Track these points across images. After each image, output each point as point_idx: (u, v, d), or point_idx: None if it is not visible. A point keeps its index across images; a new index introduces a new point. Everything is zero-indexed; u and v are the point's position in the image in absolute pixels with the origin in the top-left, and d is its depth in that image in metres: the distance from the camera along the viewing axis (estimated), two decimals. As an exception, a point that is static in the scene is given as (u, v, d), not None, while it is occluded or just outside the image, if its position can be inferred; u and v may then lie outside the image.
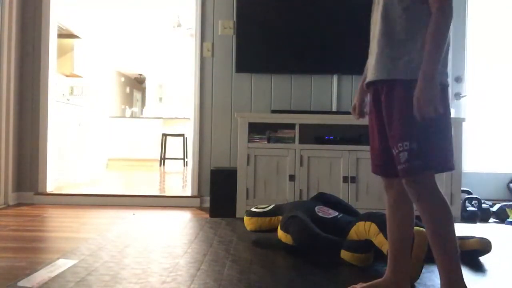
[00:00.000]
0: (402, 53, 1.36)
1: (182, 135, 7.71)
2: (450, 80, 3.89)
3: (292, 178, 3.25)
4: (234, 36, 3.68)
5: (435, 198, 1.35)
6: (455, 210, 3.25)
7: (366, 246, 1.86)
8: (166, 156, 7.81)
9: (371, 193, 3.25)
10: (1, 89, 3.52)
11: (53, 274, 1.68)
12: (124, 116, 10.46)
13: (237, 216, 3.18)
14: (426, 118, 1.28)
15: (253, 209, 2.38)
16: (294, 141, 3.29)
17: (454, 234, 1.35)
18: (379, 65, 1.41)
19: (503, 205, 3.31)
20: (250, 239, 2.35)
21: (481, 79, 4.02)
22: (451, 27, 1.34)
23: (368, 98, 1.58)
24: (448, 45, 1.35)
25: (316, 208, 2.18)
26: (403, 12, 1.37)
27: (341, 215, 2.16)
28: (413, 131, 1.33)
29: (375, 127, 1.48)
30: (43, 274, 1.68)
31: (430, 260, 1.70)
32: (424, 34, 1.32)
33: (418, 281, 1.63)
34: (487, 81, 4.05)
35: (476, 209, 3.28)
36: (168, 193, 4.37)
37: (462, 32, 3.82)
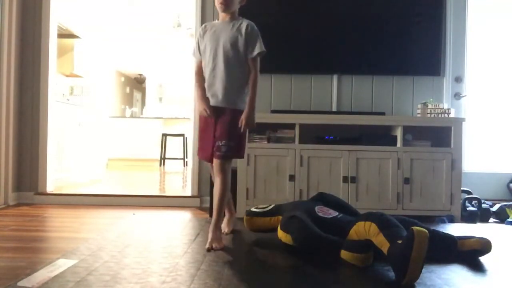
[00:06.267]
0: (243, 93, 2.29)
1: (182, 135, 7.72)
2: (449, 80, 3.91)
3: (292, 178, 3.25)
4: (234, 36, 3.68)
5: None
6: (455, 210, 3.25)
7: (366, 246, 1.85)
8: (166, 156, 7.82)
9: (371, 193, 3.25)
10: (1, 89, 3.52)
11: (53, 274, 1.68)
12: (124, 116, 10.46)
13: (237, 216, 3.18)
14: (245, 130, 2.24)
15: (253, 209, 2.38)
16: (294, 141, 3.28)
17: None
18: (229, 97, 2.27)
19: (503, 205, 3.31)
20: (250, 239, 2.35)
21: (481, 79, 4.02)
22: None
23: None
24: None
25: (316, 208, 2.18)
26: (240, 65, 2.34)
27: (341, 215, 2.16)
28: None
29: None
30: (43, 274, 1.68)
31: (430, 260, 1.70)
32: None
33: (418, 281, 1.63)
34: (487, 81, 4.05)
35: (476, 209, 3.28)
36: (168, 193, 4.37)
37: (462, 32, 3.82)
